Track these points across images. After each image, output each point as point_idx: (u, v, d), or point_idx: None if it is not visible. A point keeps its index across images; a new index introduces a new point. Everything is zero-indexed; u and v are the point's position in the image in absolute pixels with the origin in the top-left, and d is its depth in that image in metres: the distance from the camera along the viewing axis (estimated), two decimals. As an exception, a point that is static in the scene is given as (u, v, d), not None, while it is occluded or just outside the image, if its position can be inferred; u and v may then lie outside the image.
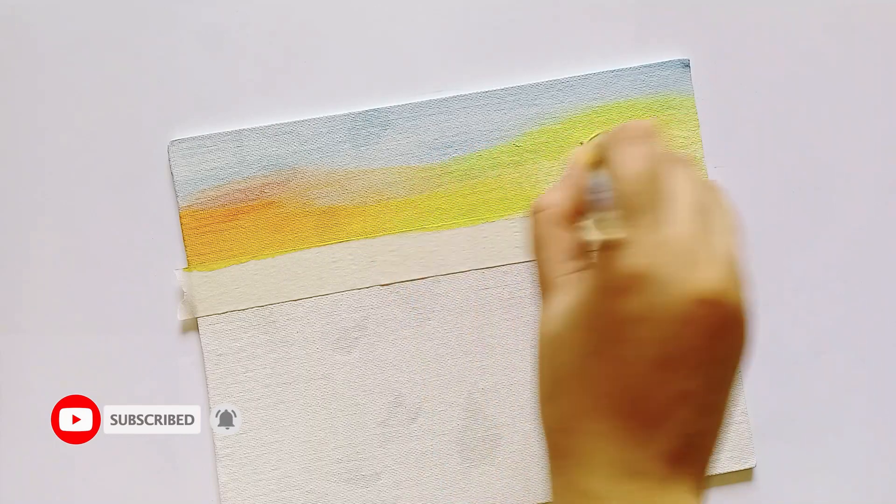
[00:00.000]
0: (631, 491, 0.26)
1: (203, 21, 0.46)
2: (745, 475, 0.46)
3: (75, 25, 0.46)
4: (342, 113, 0.46)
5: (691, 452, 0.26)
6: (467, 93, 0.46)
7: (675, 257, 0.25)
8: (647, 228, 0.25)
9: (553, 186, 0.31)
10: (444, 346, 0.45)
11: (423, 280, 0.46)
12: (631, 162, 0.27)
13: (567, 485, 0.27)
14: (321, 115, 0.46)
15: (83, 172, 0.46)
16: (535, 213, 0.30)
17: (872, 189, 0.47)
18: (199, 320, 0.45)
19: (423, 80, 0.46)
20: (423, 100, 0.46)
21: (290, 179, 0.46)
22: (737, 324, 0.25)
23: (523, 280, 0.46)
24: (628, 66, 0.46)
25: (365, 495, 0.45)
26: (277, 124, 0.46)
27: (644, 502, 0.26)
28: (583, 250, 0.29)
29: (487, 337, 0.46)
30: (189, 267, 0.45)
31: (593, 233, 0.29)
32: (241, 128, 0.46)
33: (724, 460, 0.45)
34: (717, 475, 0.45)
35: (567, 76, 0.46)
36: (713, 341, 0.25)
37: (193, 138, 0.45)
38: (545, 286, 0.29)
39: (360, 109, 0.46)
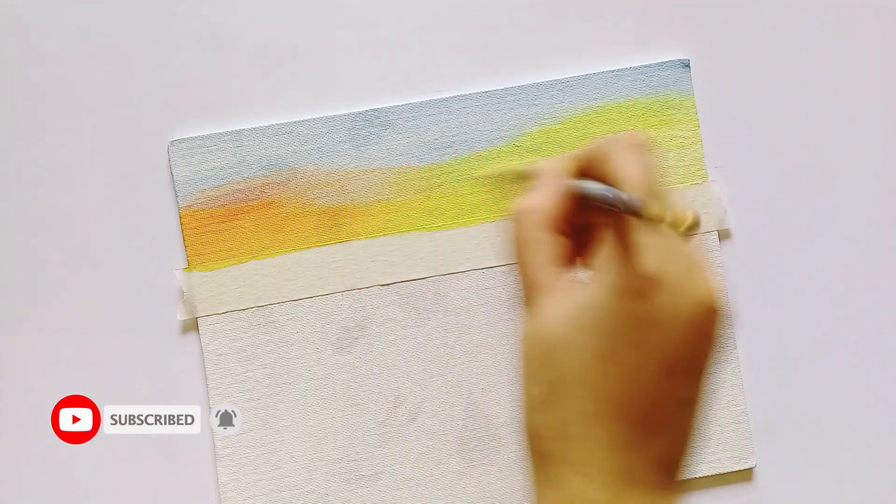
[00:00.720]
0: (629, 500, 0.26)
1: (203, 21, 0.46)
2: (745, 475, 0.46)
3: (75, 25, 0.46)
4: (342, 113, 0.46)
5: (680, 460, 0.26)
6: (467, 93, 0.46)
7: (684, 262, 0.25)
8: (656, 234, 0.25)
9: (532, 192, 0.30)
10: (444, 346, 0.45)
11: (423, 280, 0.46)
12: (637, 167, 0.27)
13: (561, 494, 0.26)
14: (321, 115, 0.46)
15: (83, 172, 0.46)
16: (518, 217, 0.30)
17: (872, 189, 0.47)
18: (199, 320, 0.45)
19: (423, 80, 0.46)
20: (423, 100, 0.46)
21: (290, 179, 0.46)
22: (723, 330, 0.26)
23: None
24: (628, 66, 0.46)
25: (365, 495, 0.45)
26: (277, 124, 0.46)
27: None
28: (569, 255, 0.29)
29: (487, 337, 0.46)
30: (189, 267, 0.45)
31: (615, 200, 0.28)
32: (241, 128, 0.46)
33: (724, 460, 0.45)
34: (717, 475, 0.45)
35: (567, 76, 0.46)
36: (712, 348, 0.26)
37: (193, 138, 0.45)
38: (531, 289, 0.29)
39: (360, 109, 0.46)
